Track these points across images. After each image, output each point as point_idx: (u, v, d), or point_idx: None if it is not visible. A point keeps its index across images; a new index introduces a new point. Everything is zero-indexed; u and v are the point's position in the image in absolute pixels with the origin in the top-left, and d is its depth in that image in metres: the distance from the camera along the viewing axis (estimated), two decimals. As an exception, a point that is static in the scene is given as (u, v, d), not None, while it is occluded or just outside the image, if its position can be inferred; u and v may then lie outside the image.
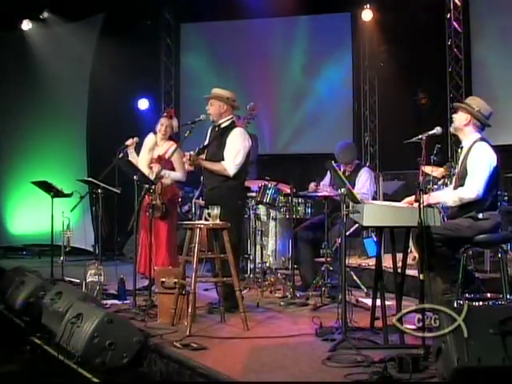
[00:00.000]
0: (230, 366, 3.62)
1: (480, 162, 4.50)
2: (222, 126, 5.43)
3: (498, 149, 4.63)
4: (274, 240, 7.13)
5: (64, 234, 7.36)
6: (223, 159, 5.31)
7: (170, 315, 4.76)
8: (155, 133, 6.28)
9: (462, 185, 4.55)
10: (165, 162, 6.01)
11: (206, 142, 5.53)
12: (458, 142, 8.56)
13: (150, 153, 6.26)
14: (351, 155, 6.37)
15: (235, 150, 5.29)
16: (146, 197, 5.69)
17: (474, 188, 4.46)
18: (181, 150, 5.99)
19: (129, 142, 6.20)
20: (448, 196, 4.61)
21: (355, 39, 10.53)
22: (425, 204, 3.90)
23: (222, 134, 5.39)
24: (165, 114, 6.45)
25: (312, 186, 6.37)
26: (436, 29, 9.72)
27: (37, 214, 9.50)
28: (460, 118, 4.65)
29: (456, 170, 4.79)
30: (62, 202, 7.02)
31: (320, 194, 6.20)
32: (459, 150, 4.84)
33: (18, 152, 10.62)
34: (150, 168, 6.12)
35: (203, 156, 5.42)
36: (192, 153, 5.29)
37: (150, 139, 6.29)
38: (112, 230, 9.10)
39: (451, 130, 4.82)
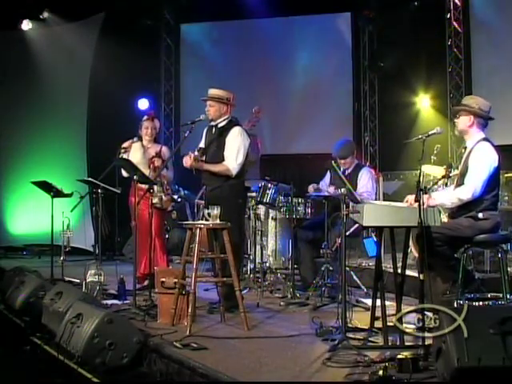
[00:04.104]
0: (230, 365, 3.62)
1: (480, 161, 4.52)
2: (220, 125, 5.42)
3: (498, 149, 4.64)
4: (273, 240, 7.13)
5: (64, 234, 7.34)
6: (223, 159, 5.31)
7: (170, 315, 4.76)
8: (139, 138, 6.42)
9: (462, 183, 4.57)
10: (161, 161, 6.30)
11: (201, 143, 5.54)
12: (458, 142, 8.62)
13: (144, 156, 6.38)
14: (348, 151, 6.36)
15: (236, 149, 5.29)
16: (147, 195, 5.73)
17: (471, 187, 4.48)
18: (170, 152, 6.57)
19: (126, 144, 6.27)
20: (446, 197, 4.62)
21: (355, 39, 10.53)
22: (425, 207, 3.91)
23: (220, 135, 5.38)
24: (146, 117, 6.57)
25: (311, 187, 6.38)
26: (436, 29, 9.72)
27: (37, 214, 9.50)
28: (463, 121, 4.67)
29: (459, 169, 4.81)
30: (62, 201, 7.01)
31: (320, 194, 6.22)
32: (463, 150, 4.86)
33: (18, 152, 10.62)
34: (155, 170, 6.20)
35: (202, 158, 5.41)
36: (196, 153, 5.30)
37: (136, 146, 6.38)
38: (112, 229, 9.10)
39: (456, 133, 4.84)
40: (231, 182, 5.32)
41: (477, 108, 4.64)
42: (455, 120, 4.80)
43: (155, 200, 5.64)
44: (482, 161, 4.52)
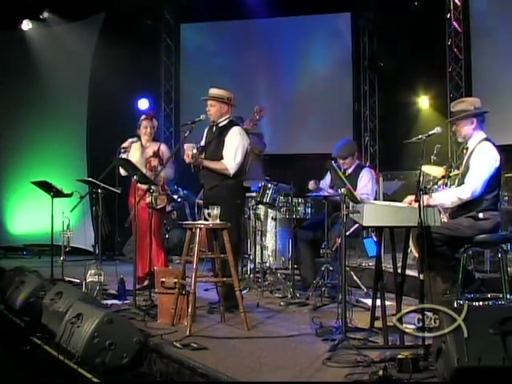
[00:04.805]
0: (230, 365, 3.62)
1: (481, 161, 4.52)
2: (220, 125, 5.44)
3: (498, 149, 4.63)
4: (274, 240, 7.12)
5: (64, 234, 7.34)
6: (222, 158, 5.32)
7: (170, 315, 4.76)
8: (138, 137, 6.43)
9: (463, 183, 4.57)
10: (158, 160, 6.34)
11: (202, 143, 5.55)
12: (458, 142, 8.59)
13: (142, 155, 6.38)
14: (348, 151, 6.37)
15: (234, 148, 5.30)
16: (146, 197, 5.72)
17: (471, 187, 4.48)
18: (168, 149, 6.55)
19: (125, 144, 6.27)
20: (446, 197, 4.62)
21: (355, 39, 10.53)
22: (425, 205, 3.91)
23: (220, 134, 5.40)
24: (144, 116, 6.56)
25: (312, 183, 6.38)
26: (436, 29, 9.72)
27: (37, 214, 9.50)
28: (466, 126, 4.65)
29: (460, 169, 4.80)
30: (62, 201, 7.01)
31: (320, 194, 6.22)
32: (464, 151, 4.85)
33: (18, 152, 10.63)
34: (151, 170, 6.20)
35: (200, 156, 5.43)
36: (195, 151, 5.30)
37: (136, 146, 6.40)
38: (112, 229, 9.10)
39: (461, 140, 4.81)
40: (229, 181, 5.33)
41: (474, 109, 4.64)
42: (454, 129, 4.76)
43: (148, 199, 5.63)
44: (483, 161, 4.52)
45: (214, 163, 5.33)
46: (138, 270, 5.94)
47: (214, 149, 5.38)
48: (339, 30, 10.55)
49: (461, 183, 4.62)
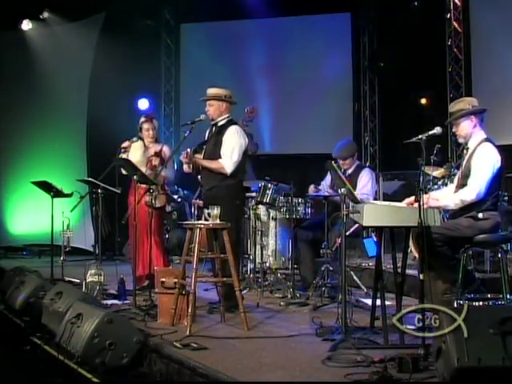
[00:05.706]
0: (230, 365, 3.62)
1: (483, 162, 4.51)
2: (219, 124, 5.45)
3: (498, 149, 4.63)
4: (274, 240, 7.12)
5: (64, 234, 7.34)
6: (220, 157, 5.32)
7: (170, 315, 4.76)
8: (139, 137, 6.41)
9: (464, 184, 4.56)
10: (159, 160, 6.34)
11: None
12: (458, 142, 8.61)
13: (144, 154, 6.38)
14: (348, 152, 6.37)
15: (231, 147, 5.30)
16: (145, 195, 5.72)
17: (475, 188, 4.47)
18: (171, 151, 6.51)
19: (125, 144, 6.26)
20: (449, 199, 4.61)
21: (355, 39, 10.54)
22: (425, 207, 3.90)
23: (218, 133, 5.41)
24: (144, 119, 6.54)
25: (312, 188, 6.38)
26: (436, 29, 9.72)
27: (37, 214, 9.50)
28: (466, 125, 4.64)
29: (460, 170, 4.80)
30: (62, 201, 7.01)
31: (320, 194, 6.22)
32: (465, 151, 4.85)
33: (18, 152, 10.63)
34: (151, 169, 6.21)
35: (200, 155, 5.43)
36: (189, 150, 5.31)
37: (137, 145, 6.37)
38: (112, 229, 9.10)
39: (461, 141, 4.80)
40: (228, 182, 5.33)
41: (472, 107, 4.64)
42: (454, 130, 4.76)
43: (147, 198, 5.62)
44: (486, 162, 4.51)
45: (211, 162, 5.34)
46: (137, 269, 5.94)
47: (212, 148, 5.39)
48: (339, 30, 10.56)
49: (461, 184, 4.61)
